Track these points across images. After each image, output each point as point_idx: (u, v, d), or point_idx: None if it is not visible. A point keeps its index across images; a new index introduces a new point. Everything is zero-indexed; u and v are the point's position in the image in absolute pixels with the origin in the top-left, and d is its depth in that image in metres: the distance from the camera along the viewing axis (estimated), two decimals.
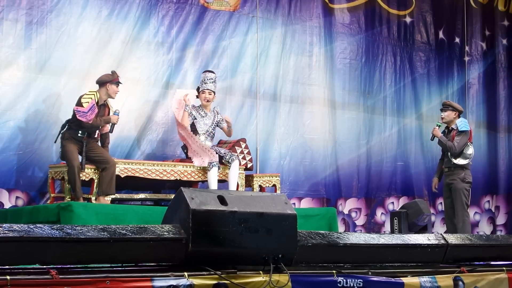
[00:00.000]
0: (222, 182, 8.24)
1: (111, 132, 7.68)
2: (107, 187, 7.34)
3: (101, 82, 7.63)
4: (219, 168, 7.98)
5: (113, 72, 7.72)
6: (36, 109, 8.08)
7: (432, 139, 9.22)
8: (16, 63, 8.04)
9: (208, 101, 8.28)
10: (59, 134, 7.52)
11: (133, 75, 8.78)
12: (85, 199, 7.29)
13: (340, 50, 10.58)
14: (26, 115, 8.03)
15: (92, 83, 7.81)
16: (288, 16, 10.14)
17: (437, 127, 8.99)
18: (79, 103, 7.35)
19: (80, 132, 7.42)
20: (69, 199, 7.17)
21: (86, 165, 7.34)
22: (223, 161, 8.07)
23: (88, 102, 7.33)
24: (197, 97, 8.39)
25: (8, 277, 3.59)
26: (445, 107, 9.02)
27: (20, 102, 8.02)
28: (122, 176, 7.55)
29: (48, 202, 7.56)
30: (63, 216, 6.66)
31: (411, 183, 11.02)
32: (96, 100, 7.47)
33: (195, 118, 8.25)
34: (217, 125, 8.42)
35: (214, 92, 8.33)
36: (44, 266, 3.86)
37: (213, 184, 7.85)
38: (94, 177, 7.38)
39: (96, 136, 7.64)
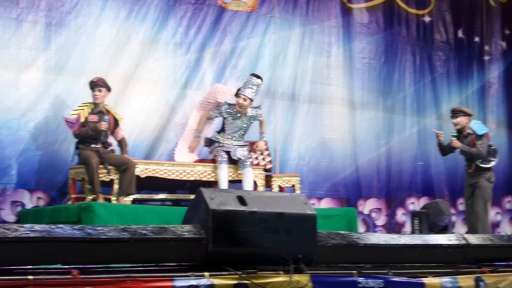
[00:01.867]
0: (238, 182, 8.22)
1: (102, 138, 7.62)
2: (128, 187, 7.39)
3: None
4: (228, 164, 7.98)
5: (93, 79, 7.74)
6: (56, 110, 8.11)
7: (445, 154, 9.12)
8: (35, 65, 8.09)
9: (240, 107, 8.10)
10: (74, 154, 7.61)
11: (151, 76, 8.81)
12: (105, 200, 7.32)
13: (359, 50, 10.55)
14: (46, 116, 8.08)
15: (111, 84, 7.85)
16: (306, 16, 10.12)
17: (454, 138, 8.84)
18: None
19: (93, 144, 7.51)
20: (90, 200, 7.21)
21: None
22: (237, 164, 8.09)
23: (76, 114, 7.52)
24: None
25: (30, 277, 3.62)
26: (456, 113, 8.90)
27: (40, 104, 8.07)
28: (142, 176, 7.59)
29: (69, 202, 7.60)
30: (84, 217, 6.71)
31: (431, 183, 10.96)
32: (90, 111, 7.58)
33: (225, 118, 8.23)
34: (257, 120, 8.34)
35: (251, 100, 8.13)
36: (66, 266, 3.88)
37: (223, 181, 7.86)
38: (114, 178, 7.41)
39: (111, 146, 7.73)
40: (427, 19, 11.33)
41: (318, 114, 10.09)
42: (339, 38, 10.38)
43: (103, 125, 7.56)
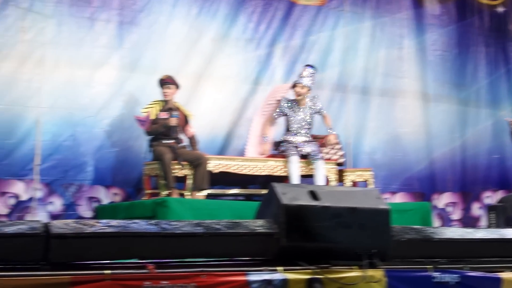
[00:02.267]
0: (309, 177, 8.19)
1: (173, 134, 7.67)
2: (201, 182, 7.47)
3: None
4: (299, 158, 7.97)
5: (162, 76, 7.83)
6: (129, 108, 8.23)
7: None
8: (109, 63, 8.23)
9: (299, 95, 8.19)
10: (148, 151, 7.73)
11: (223, 72, 8.87)
12: (179, 195, 7.41)
13: (431, 41, 10.39)
14: (120, 113, 8.22)
15: (183, 81, 7.95)
16: (376, 8, 10.03)
17: None
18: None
19: (165, 140, 7.61)
20: (164, 195, 7.30)
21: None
22: (307, 159, 8.08)
23: (146, 112, 7.67)
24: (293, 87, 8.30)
25: (107, 272, 3.69)
26: None
27: (114, 101, 8.21)
28: (215, 171, 7.65)
29: (144, 198, 7.71)
30: (159, 212, 6.80)
31: (508, 176, 10.72)
32: (160, 108, 7.69)
33: (287, 115, 8.25)
34: (318, 113, 8.36)
35: (308, 88, 8.22)
36: (142, 261, 3.94)
37: (294, 176, 7.86)
38: (188, 173, 7.49)
39: (182, 142, 7.80)
40: (500, 9, 11.07)
41: (391, 107, 9.99)
42: (410, 30, 10.26)
43: (173, 121, 7.65)
